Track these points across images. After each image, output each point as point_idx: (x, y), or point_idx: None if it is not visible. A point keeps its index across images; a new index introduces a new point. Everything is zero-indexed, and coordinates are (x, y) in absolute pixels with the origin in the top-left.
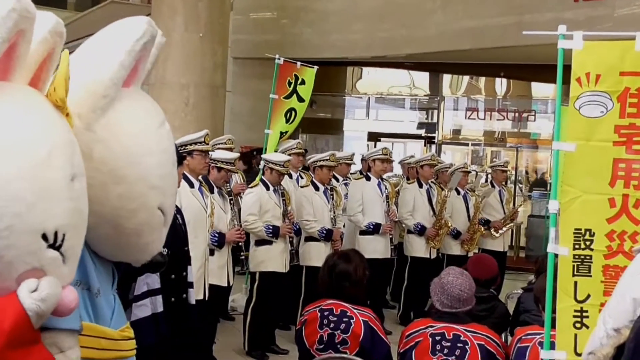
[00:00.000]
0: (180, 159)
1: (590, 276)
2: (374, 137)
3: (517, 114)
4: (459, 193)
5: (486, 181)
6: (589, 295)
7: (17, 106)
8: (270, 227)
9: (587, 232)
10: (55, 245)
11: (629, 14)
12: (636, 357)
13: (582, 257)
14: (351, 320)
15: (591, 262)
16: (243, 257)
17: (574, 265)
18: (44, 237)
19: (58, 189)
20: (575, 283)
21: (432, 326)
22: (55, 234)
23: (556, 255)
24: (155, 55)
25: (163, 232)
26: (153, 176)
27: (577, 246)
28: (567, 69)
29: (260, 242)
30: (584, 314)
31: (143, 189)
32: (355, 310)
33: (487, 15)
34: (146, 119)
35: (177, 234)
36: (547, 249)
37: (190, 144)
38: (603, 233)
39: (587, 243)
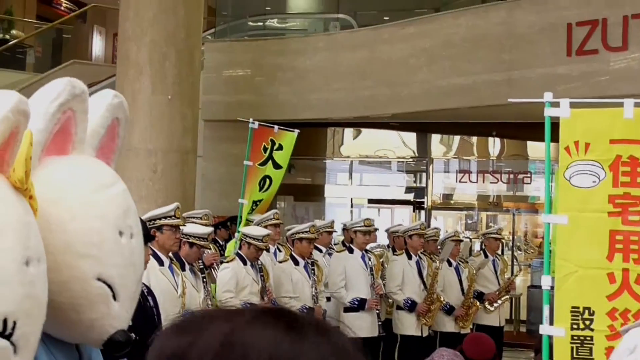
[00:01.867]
0: (149, 237)
1: (592, 358)
2: (358, 203)
3: (512, 176)
4: (450, 264)
5: (480, 250)
6: None
7: None
8: (248, 305)
9: (586, 311)
10: (5, 334)
11: (625, 67)
12: None
13: (582, 338)
14: None
15: (592, 344)
16: None
17: (572, 347)
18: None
19: (7, 272)
20: None
21: None
22: (5, 321)
23: (551, 337)
24: (107, 118)
25: (113, 307)
26: (81, 244)
27: (575, 326)
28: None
29: None
30: None
31: (70, 258)
32: None
33: (475, 71)
34: (74, 184)
35: (147, 316)
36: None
37: (160, 219)
38: (604, 311)
39: (587, 323)
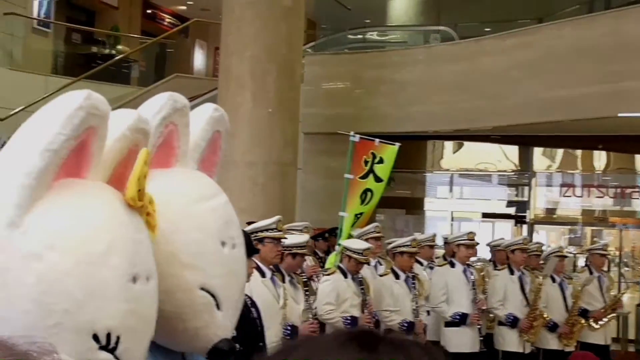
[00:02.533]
0: (253, 249)
1: None
2: (458, 217)
3: (619, 190)
4: (554, 280)
5: (585, 266)
6: None
7: (82, 203)
8: (349, 318)
9: None
10: (108, 348)
11: None
12: None
13: None
14: None
15: None
16: None
17: None
18: (95, 337)
19: (112, 289)
20: None
21: None
22: (108, 335)
23: None
24: (208, 132)
25: (216, 316)
26: (184, 254)
27: None
28: None
29: None
30: None
31: (174, 269)
32: None
33: (580, 83)
34: (177, 197)
35: (251, 327)
36: None
37: (262, 231)
38: None
39: None
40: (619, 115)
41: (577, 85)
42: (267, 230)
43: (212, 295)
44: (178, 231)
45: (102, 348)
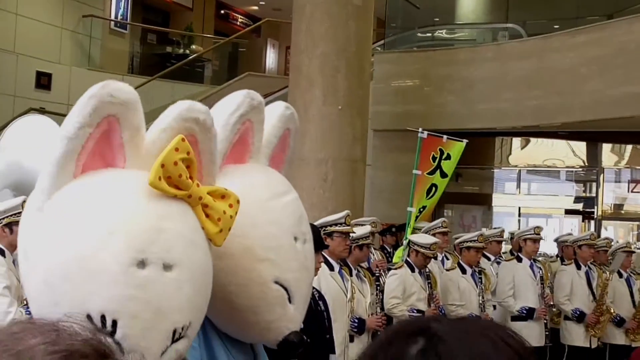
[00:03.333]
0: (322, 244)
1: None
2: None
3: None
4: (621, 276)
5: None
6: None
7: (97, 190)
8: (415, 311)
9: None
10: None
11: None
12: None
13: None
14: None
15: None
16: None
17: None
18: (89, 318)
19: (110, 272)
20: None
21: None
22: (103, 317)
23: None
24: (280, 129)
25: (288, 309)
26: (260, 248)
27: None
28: None
29: None
30: None
31: (249, 262)
32: None
33: None
34: (253, 192)
35: (318, 320)
36: None
37: (331, 225)
38: None
39: None
40: None
41: None
42: (335, 224)
43: (285, 289)
44: (254, 225)
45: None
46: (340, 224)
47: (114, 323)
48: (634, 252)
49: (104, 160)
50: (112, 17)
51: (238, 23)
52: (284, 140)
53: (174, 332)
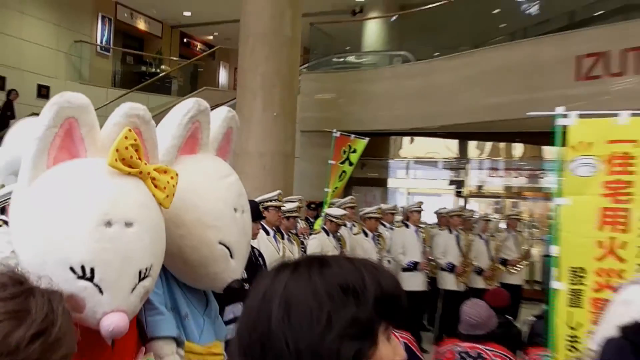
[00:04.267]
0: (259, 216)
1: (581, 307)
2: (412, 192)
3: (531, 172)
4: (481, 238)
5: (505, 227)
6: (579, 324)
7: (67, 173)
8: None
9: (580, 270)
10: (86, 277)
11: (622, 89)
12: None
13: (576, 290)
14: None
15: (582, 295)
16: None
17: (568, 298)
18: (72, 269)
19: (83, 231)
20: (569, 313)
21: (458, 345)
22: (83, 267)
23: (556, 290)
24: (223, 127)
25: (231, 264)
26: (208, 218)
27: (571, 282)
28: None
29: None
30: (576, 340)
31: (200, 229)
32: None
33: (505, 93)
34: (202, 175)
35: (257, 272)
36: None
37: (267, 201)
38: (592, 270)
39: (580, 279)
40: (528, 114)
41: (502, 94)
42: (270, 200)
43: (228, 248)
44: (204, 200)
45: (80, 278)
46: (274, 200)
47: (92, 270)
48: (490, 220)
49: (70, 153)
50: (98, 42)
51: (197, 49)
52: (227, 136)
53: (140, 272)
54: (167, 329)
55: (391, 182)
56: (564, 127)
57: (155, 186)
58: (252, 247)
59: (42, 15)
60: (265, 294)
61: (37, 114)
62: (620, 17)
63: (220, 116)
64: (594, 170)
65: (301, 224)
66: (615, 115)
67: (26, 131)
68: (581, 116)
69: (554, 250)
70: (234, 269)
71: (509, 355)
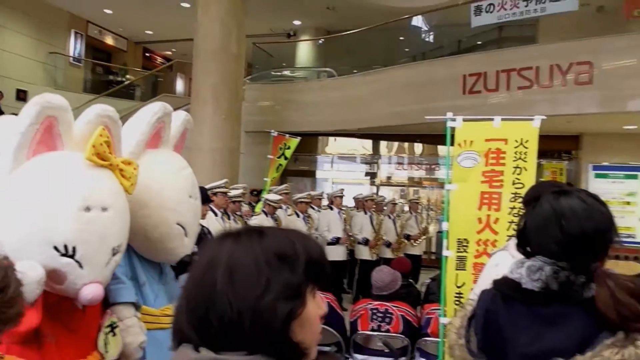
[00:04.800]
0: (207, 200)
1: (465, 270)
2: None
3: (428, 166)
4: (390, 217)
5: (407, 209)
6: (464, 283)
7: (48, 164)
8: None
9: (464, 241)
10: (68, 255)
11: (497, 102)
12: (478, 320)
13: (461, 257)
14: None
15: (466, 261)
16: None
17: (455, 263)
18: (55, 248)
19: (65, 215)
20: (456, 275)
21: (370, 303)
22: (65, 246)
23: (446, 257)
24: (181, 127)
25: (185, 241)
26: (169, 202)
27: (458, 250)
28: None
29: None
30: (461, 296)
31: (161, 211)
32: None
33: (407, 103)
34: (164, 167)
35: None
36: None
37: (216, 188)
38: (474, 241)
39: (464, 248)
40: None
41: (405, 104)
42: (218, 187)
43: (183, 228)
44: (165, 188)
45: (63, 255)
46: (222, 187)
47: (74, 249)
48: (396, 204)
49: (48, 147)
50: (71, 54)
51: (158, 62)
52: (183, 135)
53: (113, 249)
54: (127, 295)
55: (319, 174)
56: (453, 128)
57: (123, 176)
58: (202, 226)
59: (22, 30)
60: (211, 260)
61: (16, 114)
62: (495, 46)
63: (179, 118)
64: (475, 163)
65: (245, 208)
66: (491, 119)
67: (3, 128)
68: (465, 120)
69: (444, 225)
70: (187, 245)
71: (410, 310)
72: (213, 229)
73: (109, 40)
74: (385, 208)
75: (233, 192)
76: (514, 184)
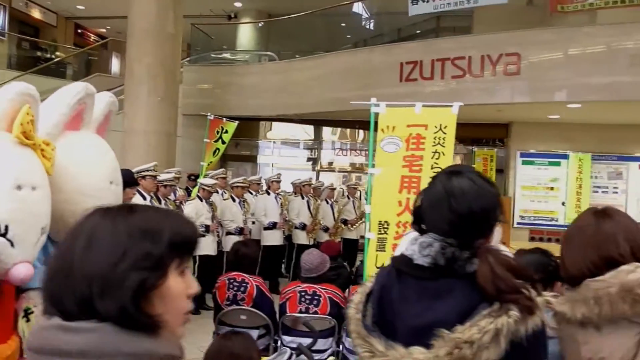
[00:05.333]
0: (134, 181)
1: (385, 252)
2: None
3: (367, 152)
4: (328, 202)
5: (346, 195)
6: (383, 264)
7: None
8: (204, 226)
9: (385, 223)
10: (1, 233)
11: (431, 91)
12: (375, 295)
13: (381, 239)
14: (247, 285)
15: (386, 242)
16: None
17: (376, 245)
18: None
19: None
20: (377, 256)
21: (299, 286)
22: None
23: (369, 239)
24: (105, 110)
25: None
26: (88, 188)
27: (379, 232)
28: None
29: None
30: None
31: (79, 196)
32: (250, 278)
33: (347, 89)
34: (84, 151)
35: None
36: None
37: (144, 171)
38: (394, 223)
39: (385, 230)
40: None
41: (344, 90)
42: (147, 171)
43: None
44: (86, 173)
45: None
46: (150, 170)
47: (6, 227)
48: (334, 189)
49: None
50: None
51: (91, 39)
52: (107, 117)
53: (42, 229)
54: (40, 280)
55: (261, 159)
56: (377, 114)
57: (44, 156)
58: None
59: None
60: (74, 231)
61: None
62: (434, 35)
63: (103, 100)
64: (397, 148)
65: (180, 192)
66: (413, 105)
67: None
68: (388, 106)
69: (367, 208)
70: None
71: (338, 292)
72: None
73: (36, 13)
74: (322, 192)
75: (164, 176)
76: (432, 168)
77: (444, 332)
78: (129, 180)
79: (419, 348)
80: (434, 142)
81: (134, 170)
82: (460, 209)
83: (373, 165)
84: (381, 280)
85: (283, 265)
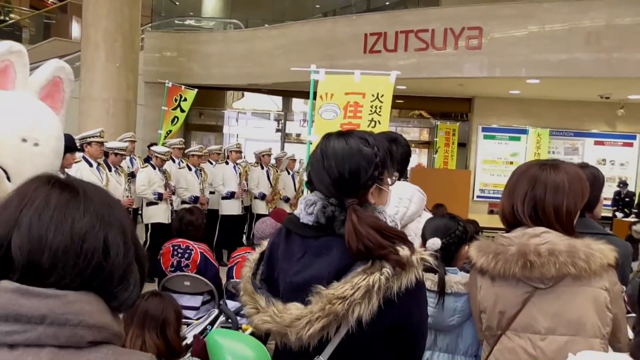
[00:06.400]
0: (74, 147)
1: None
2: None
3: None
4: (289, 173)
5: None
6: None
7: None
8: (157, 194)
9: None
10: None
11: (395, 63)
12: (266, 253)
13: None
14: (192, 252)
15: None
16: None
17: None
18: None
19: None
20: None
21: (249, 252)
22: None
23: None
24: (50, 75)
25: (7, 185)
26: None
27: None
28: None
29: (150, 203)
30: None
31: None
32: (195, 245)
33: (311, 60)
34: (5, 108)
35: None
36: None
37: (90, 137)
38: None
39: None
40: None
41: (309, 61)
42: (93, 137)
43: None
44: None
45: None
46: (96, 136)
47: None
48: (295, 160)
49: None
50: None
51: (49, 1)
52: (57, 85)
53: None
54: None
55: (226, 129)
56: (316, 81)
57: None
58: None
59: None
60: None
61: None
62: (402, 7)
63: (50, 65)
64: (335, 115)
65: (138, 162)
66: (352, 73)
67: None
68: (328, 73)
69: (305, 176)
70: (9, 190)
71: None
72: (87, 179)
73: None
74: (282, 163)
75: (112, 144)
76: None
77: (320, 288)
78: (70, 145)
79: (296, 304)
80: (371, 110)
81: (78, 137)
82: (330, 171)
83: (312, 134)
84: (272, 239)
85: (245, 236)
